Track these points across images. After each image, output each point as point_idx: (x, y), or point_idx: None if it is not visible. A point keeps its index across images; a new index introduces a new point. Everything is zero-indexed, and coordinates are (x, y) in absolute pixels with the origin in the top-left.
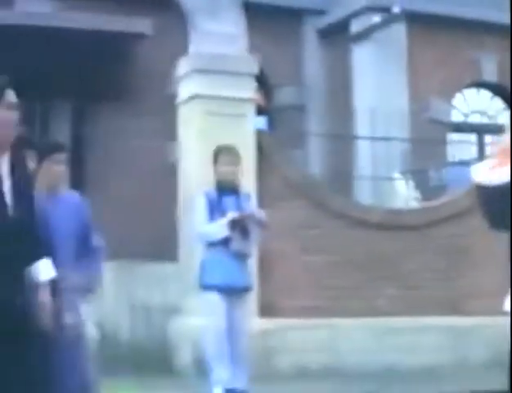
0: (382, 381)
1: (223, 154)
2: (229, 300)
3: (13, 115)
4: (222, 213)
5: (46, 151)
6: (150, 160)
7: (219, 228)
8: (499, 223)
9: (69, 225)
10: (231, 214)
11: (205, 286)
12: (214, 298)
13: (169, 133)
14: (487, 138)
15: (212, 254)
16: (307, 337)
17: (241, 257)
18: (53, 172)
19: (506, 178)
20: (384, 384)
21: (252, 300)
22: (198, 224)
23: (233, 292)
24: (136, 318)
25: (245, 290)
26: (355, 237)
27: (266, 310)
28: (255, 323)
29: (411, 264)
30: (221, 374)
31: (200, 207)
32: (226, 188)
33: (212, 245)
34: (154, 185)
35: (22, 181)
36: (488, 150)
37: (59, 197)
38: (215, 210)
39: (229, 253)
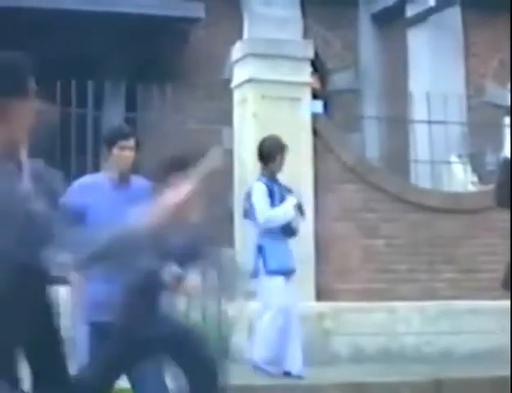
0: (438, 365)
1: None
2: (287, 283)
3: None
4: (281, 199)
5: (115, 138)
6: (205, 145)
7: (286, 211)
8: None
9: None
10: (293, 199)
11: (273, 271)
12: (280, 282)
13: (224, 117)
14: None
15: (272, 239)
16: (364, 320)
17: (289, 241)
18: (123, 158)
19: None
20: (440, 367)
21: (309, 284)
22: (262, 210)
23: (291, 275)
24: (191, 303)
25: (295, 272)
26: (412, 221)
27: (323, 293)
28: (312, 307)
29: (470, 248)
30: (280, 356)
31: (262, 193)
32: (273, 177)
33: (270, 230)
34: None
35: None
36: None
37: (130, 184)
38: (272, 196)
39: (285, 237)
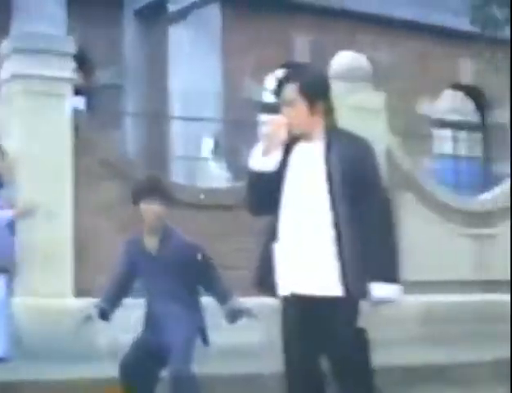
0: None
1: None
2: None
3: None
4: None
5: None
6: None
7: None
8: (260, 209)
9: None
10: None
11: None
12: None
13: None
14: None
15: None
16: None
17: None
18: None
19: (270, 167)
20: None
21: (67, 280)
22: None
23: None
24: None
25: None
26: (170, 216)
27: (82, 290)
28: (71, 303)
29: (226, 245)
30: None
31: None
32: None
33: None
34: None
35: None
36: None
37: None
38: None
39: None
